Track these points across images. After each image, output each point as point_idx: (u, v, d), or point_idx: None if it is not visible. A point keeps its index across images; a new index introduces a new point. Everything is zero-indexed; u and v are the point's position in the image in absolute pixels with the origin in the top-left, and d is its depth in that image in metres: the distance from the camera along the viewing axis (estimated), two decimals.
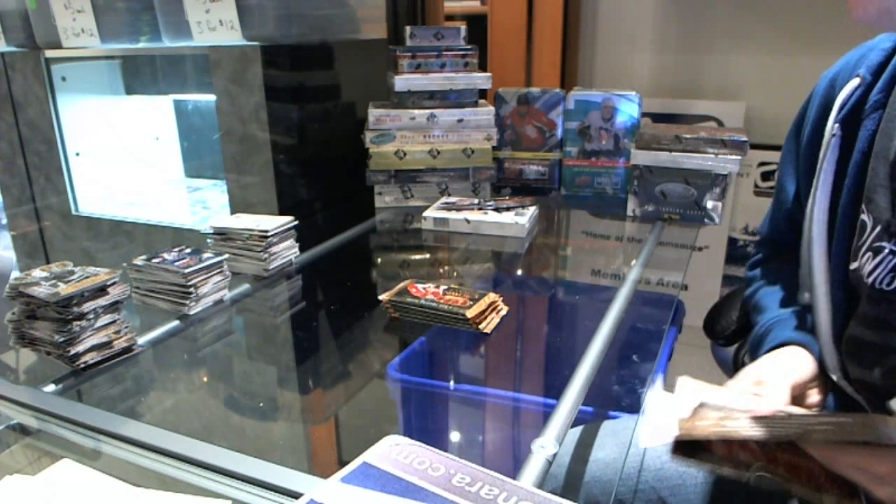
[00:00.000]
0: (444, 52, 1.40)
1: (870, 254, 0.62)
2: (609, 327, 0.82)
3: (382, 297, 0.94)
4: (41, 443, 0.67)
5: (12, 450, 0.65)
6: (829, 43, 1.51)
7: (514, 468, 0.57)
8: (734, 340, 0.93)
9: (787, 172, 0.81)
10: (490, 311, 0.91)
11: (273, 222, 1.05)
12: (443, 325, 0.89)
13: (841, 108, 0.67)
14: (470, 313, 0.86)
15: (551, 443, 0.60)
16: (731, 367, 0.92)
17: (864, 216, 0.63)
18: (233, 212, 1.38)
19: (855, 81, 0.66)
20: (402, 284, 0.96)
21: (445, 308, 0.88)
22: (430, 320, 0.90)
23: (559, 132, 1.46)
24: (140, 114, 1.86)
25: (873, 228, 0.62)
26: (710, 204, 1.24)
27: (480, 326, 0.87)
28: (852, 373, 0.66)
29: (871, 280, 0.61)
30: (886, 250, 0.60)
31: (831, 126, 0.67)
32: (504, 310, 0.93)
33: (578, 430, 0.85)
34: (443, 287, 0.95)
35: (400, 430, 0.75)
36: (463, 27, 1.44)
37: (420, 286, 0.95)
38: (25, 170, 1.73)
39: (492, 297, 0.92)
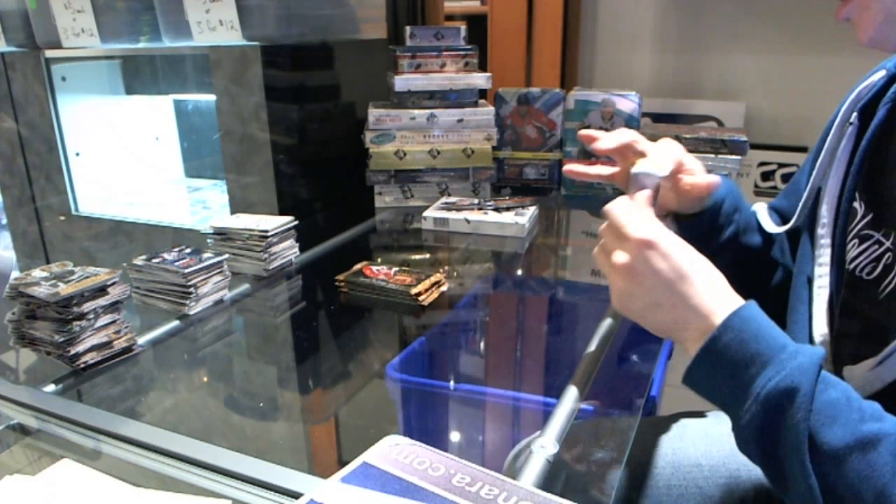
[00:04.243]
0: (444, 52, 1.40)
1: (856, 241, 0.62)
2: (609, 327, 0.82)
3: (339, 277, 1.03)
4: (41, 443, 0.67)
5: (12, 450, 0.65)
6: (829, 43, 1.51)
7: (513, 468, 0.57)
8: None
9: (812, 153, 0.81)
10: (432, 287, 1.00)
11: (273, 222, 1.05)
12: (389, 300, 0.98)
13: (861, 98, 0.66)
14: (414, 290, 0.96)
15: (551, 443, 0.60)
16: None
17: (856, 203, 0.64)
18: (233, 212, 1.37)
19: (881, 73, 0.66)
20: (357, 266, 1.05)
21: (393, 287, 0.98)
22: (380, 296, 0.99)
23: (559, 132, 1.46)
24: (140, 114, 1.86)
25: (864, 216, 0.62)
26: None
27: (420, 299, 0.96)
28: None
29: (851, 266, 0.62)
30: (873, 239, 0.61)
31: (845, 113, 0.67)
32: (444, 286, 1.02)
33: (579, 430, 0.85)
34: (394, 269, 1.04)
35: (400, 430, 0.75)
36: (463, 27, 1.44)
37: (374, 268, 1.04)
38: (25, 170, 1.73)
39: (436, 277, 1.01)
